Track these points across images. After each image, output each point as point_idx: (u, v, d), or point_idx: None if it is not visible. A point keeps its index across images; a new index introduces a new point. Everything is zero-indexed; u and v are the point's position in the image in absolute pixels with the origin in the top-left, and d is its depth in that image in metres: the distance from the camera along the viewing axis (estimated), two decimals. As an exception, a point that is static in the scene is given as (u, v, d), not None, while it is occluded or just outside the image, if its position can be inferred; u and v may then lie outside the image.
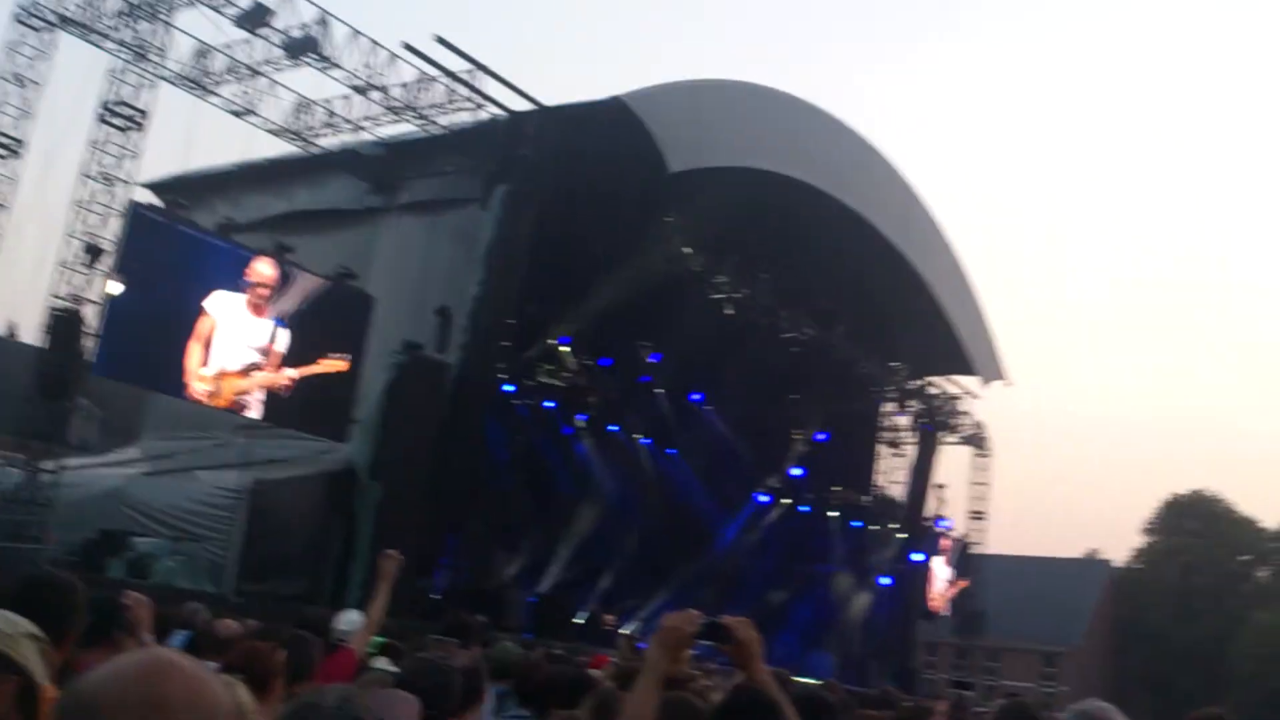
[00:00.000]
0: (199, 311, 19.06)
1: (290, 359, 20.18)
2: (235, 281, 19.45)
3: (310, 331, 20.42)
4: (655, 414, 30.95)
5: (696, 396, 31.80)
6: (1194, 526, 62.64)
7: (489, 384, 23.55)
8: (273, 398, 20.27)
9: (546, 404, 27.80)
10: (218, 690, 1.59)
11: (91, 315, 18.53)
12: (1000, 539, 74.39)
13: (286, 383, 20.14)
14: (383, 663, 6.92)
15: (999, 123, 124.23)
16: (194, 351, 19.09)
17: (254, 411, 20.26)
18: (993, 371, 34.86)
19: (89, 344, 18.54)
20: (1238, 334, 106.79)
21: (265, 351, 19.90)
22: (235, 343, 19.57)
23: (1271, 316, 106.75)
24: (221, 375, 19.46)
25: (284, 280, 19.86)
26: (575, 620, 27.15)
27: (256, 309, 19.66)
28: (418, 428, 21.36)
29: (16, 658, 2.62)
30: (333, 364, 20.51)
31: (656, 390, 30.30)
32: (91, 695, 1.51)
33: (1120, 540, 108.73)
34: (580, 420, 28.89)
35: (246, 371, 19.84)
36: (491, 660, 6.85)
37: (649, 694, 3.40)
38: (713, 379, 31.09)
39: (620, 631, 7.94)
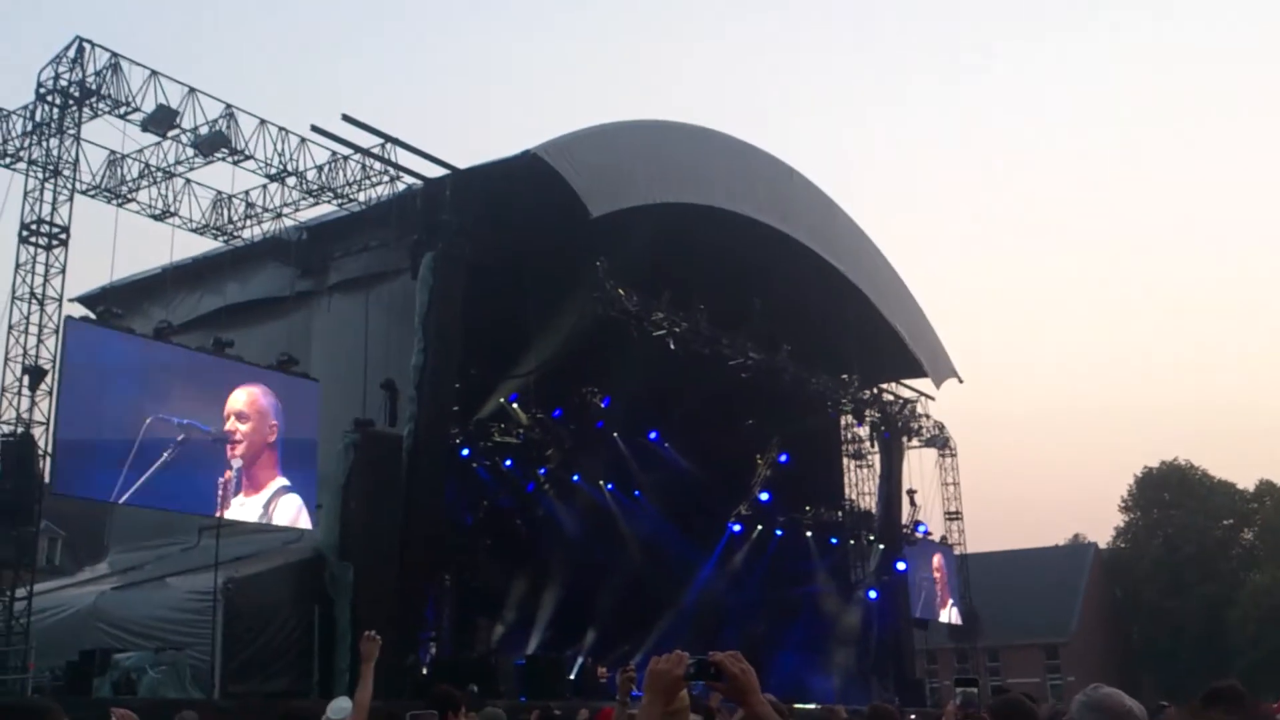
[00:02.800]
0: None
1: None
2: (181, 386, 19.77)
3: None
4: (615, 458, 31.12)
5: (653, 435, 32.03)
6: (1171, 498, 63.02)
7: (444, 451, 23.64)
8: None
9: (505, 463, 27.91)
10: None
11: (42, 437, 18.54)
12: (983, 537, 75.00)
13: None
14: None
15: (911, 113, 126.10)
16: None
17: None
18: (944, 371, 35.33)
19: (43, 466, 18.54)
20: (1190, 302, 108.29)
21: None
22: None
23: (1219, 281, 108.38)
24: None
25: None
26: (568, 677, 27.12)
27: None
28: (380, 504, 21.45)
29: None
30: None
31: (612, 434, 30.49)
32: None
33: (1103, 520, 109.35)
34: (541, 474, 29.00)
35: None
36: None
37: None
38: (666, 416, 31.30)
39: (622, 671, 7.85)
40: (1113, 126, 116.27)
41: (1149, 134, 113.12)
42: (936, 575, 38.59)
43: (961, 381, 35.75)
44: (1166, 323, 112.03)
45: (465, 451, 26.23)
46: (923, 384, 36.56)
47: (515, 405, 27.10)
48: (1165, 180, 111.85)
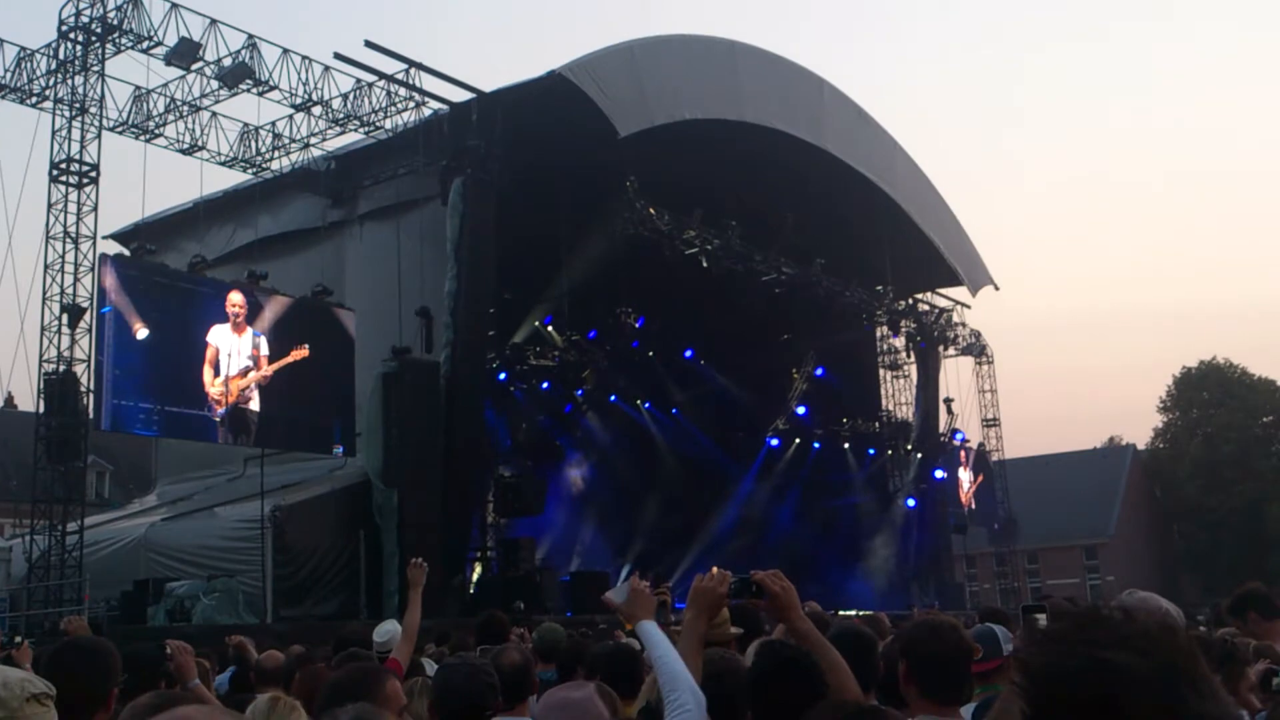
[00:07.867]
0: (204, 345, 19.71)
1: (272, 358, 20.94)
2: (218, 313, 19.95)
3: (286, 337, 21.01)
4: (651, 377, 31.18)
5: (688, 353, 32.04)
6: (1211, 397, 62.41)
7: (482, 375, 23.78)
8: (266, 425, 20.74)
9: (543, 386, 28.02)
10: None
11: (83, 374, 18.79)
12: (1021, 442, 74.81)
13: (264, 377, 20.71)
14: (429, 662, 6.99)
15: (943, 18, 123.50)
16: (206, 373, 19.89)
17: (255, 403, 20.71)
18: (979, 279, 35.01)
19: (86, 402, 18.82)
20: (1224, 199, 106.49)
21: (254, 357, 20.49)
22: (233, 357, 20.26)
23: (1253, 176, 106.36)
24: (226, 380, 20.11)
25: (252, 303, 20.54)
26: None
27: (238, 329, 20.27)
28: (421, 430, 21.67)
29: None
30: (297, 353, 21.05)
31: (648, 354, 30.49)
32: None
33: (1141, 421, 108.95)
34: (578, 395, 29.11)
35: (244, 373, 20.48)
36: (539, 643, 6.90)
37: (690, 658, 3.43)
38: (702, 333, 31.27)
39: (656, 592, 7.48)
40: (1139, 25, 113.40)
41: (1176, 31, 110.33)
42: (965, 476, 38.63)
43: (998, 289, 35.46)
44: (1201, 222, 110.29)
45: (502, 375, 26.35)
46: (958, 292, 36.29)
47: (550, 328, 27.15)
48: (1204, 76, 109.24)
